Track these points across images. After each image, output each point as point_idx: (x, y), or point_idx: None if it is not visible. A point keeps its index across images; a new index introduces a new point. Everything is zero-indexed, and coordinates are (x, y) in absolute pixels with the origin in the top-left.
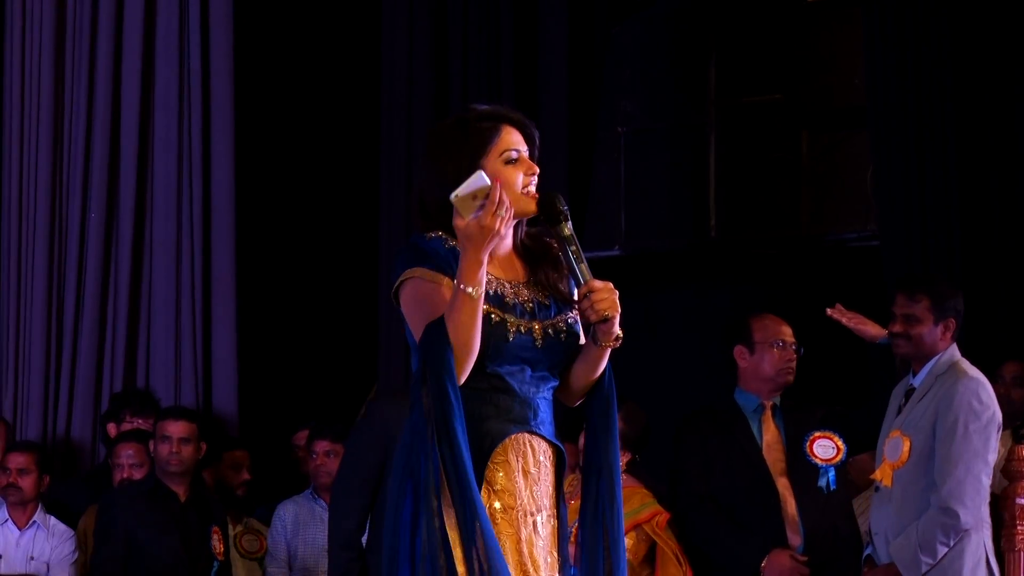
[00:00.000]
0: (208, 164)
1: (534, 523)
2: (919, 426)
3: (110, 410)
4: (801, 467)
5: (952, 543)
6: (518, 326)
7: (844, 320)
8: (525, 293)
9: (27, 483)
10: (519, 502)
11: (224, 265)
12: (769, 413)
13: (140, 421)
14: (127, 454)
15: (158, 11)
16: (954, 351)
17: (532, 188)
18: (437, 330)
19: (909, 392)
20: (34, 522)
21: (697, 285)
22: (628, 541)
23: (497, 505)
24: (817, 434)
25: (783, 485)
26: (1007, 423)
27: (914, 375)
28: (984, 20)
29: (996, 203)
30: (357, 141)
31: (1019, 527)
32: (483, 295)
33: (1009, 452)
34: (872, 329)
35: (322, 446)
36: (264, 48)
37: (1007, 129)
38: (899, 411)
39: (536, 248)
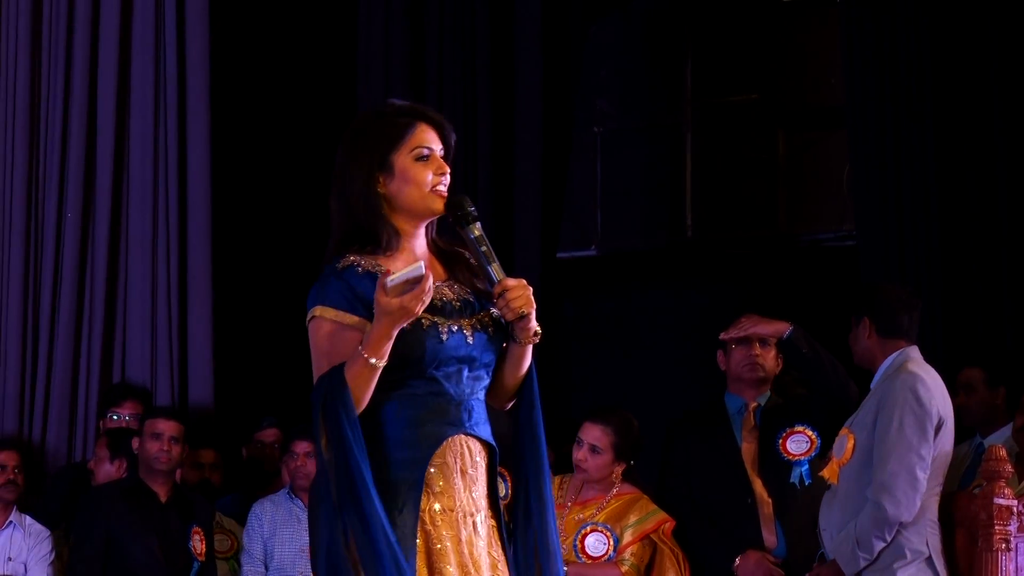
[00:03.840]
0: (184, 160)
1: (474, 523)
2: (863, 423)
3: (98, 411)
4: (774, 466)
5: (888, 537)
6: (449, 326)
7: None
8: (449, 292)
9: (21, 480)
10: (458, 503)
11: (200, 261)
12: (751, 414)
13: (129, 409)
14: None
15: (134, 7)
16: (910, 353)
17: (441, 188)
18: (338, 373)
19: (866, 392)
20: (10, 522)
21: (673, 284)
22: (635, 550)
23: (437, 507)
24: (790, 430)
25: (760, 485)
26: (966, 427)
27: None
28: (962, 18)
29: (974, 202)
30: (333, 139)
31: (997, 527)
32: (383, 366)
33: (987, 452)
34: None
35: (302, 447)
36: (240, 44)
37: (986, 128)
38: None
39: (450, 250)
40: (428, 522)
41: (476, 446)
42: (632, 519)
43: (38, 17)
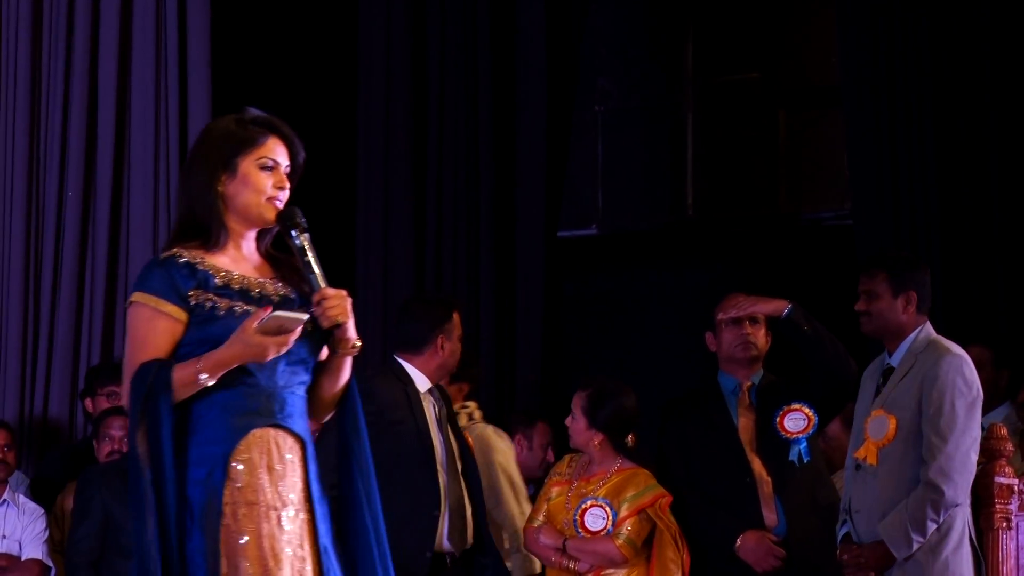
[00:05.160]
0: (185, 144)
1: (278, 518)
2: (904, 404)
3: (85, 388)
4: (772, 444)
5: (941, 519)
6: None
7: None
8: (269, 287)
9: (11, 458)
10: (261, 497)
11: None
12: (746, 393)
13: (114, 387)
14: (118, 425)
15: None
16: (929, 329)
17: (277, 201)
18: (165, 373)
19: (888, 372)
20: (4, 500)
21: (674, 264)
22: (632, 525)
23: (240, 501)
24: (787, 408)
25: (759, 464)
26: None
27: (889, 354)
28: None
29: (972, 183)
30: (334, 126)
31: (998, 505)
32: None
33: (988, 431)
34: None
35: None
36: (242, 29)
37: (982, 107)
38: (877, 391)
39: (283, 258)
40: (229, 515)
41: (287, 441)
42: (629, 493)
43: (39, 0)
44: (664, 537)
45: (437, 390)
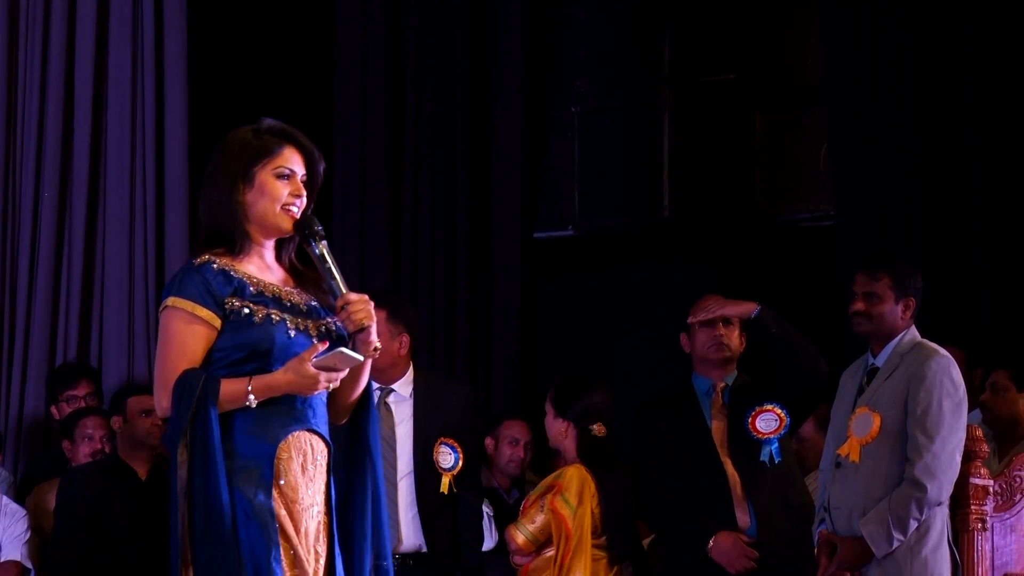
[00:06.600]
0: (162, 141)
1: (311, 516)
2: (890, 403)
3: (48, 395)
4: (744, 445)
5: (923, 518)
6: (296, 323)
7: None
8: (297, 297)
9: None
10: (300, 496)
11: (177, 243)
12: (720, 394)
13: (72, 391)
14: (94, 424)
15: None
16: (915, 331)
17: (293, 209)
18: (214, 385)
19: (872, 371)
20: None
21: (651, 264)
22: (533, 515)
23: (284, 499)
24: (759, 408)
25: (731, 465)
26: None
27: (874, 355)
28: None
29: (954, 184)
30: (310, 125)
31: (973, 506)
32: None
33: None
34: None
35: None
36: (219, 26)
37: (963, 108)
38: (861, 390)
39: (304, 270)
40: (279, 512)
41: (319, 445)
42: (544, 484)
43: None
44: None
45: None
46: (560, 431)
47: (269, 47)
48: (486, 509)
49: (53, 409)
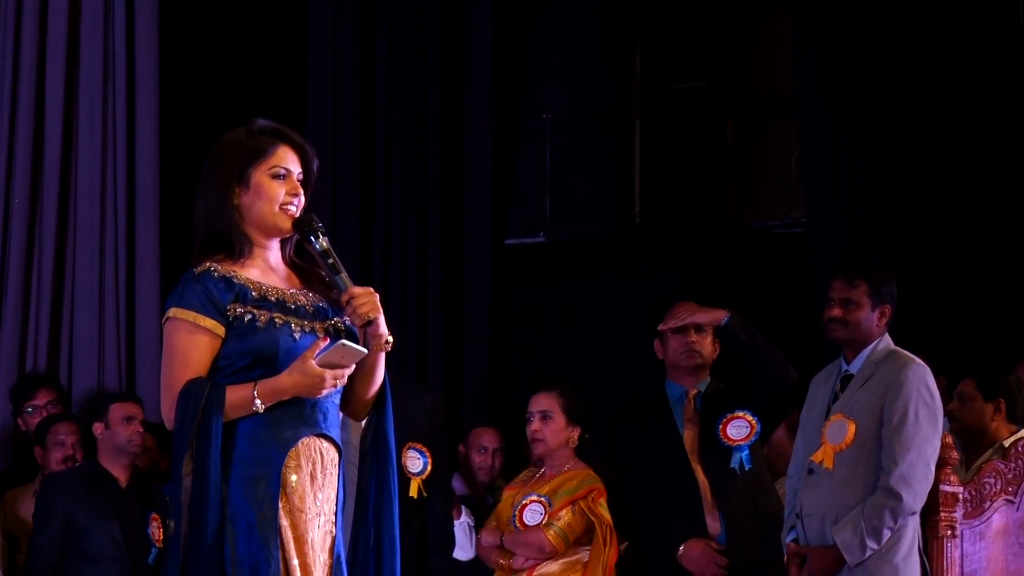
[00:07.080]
0: (132, 147)
1: (317, 526)
2: (865, 410)
3: (13, 409)
4: (715, 452)
5: (896, 527)
6: (302, 326)
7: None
8: (303, 298)
9: None
10: (307, 504)
11: (148, 249)
12: (692, 401)
13: (43, 399)
14: (68, 431)
15: None
16: (888, 339)
17: (291, 208)
18: (219, 395)
19: (846, 378)
20: None
21: (622, 271)
22: (565, 516)
23: (290, 507)
24: (730, 415)
25: (702, 472)
26: None
27: (847, 362)
28: (913, 5)
29: (926, 191)
30: (282, 121)
31: (943, 513)
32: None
33: None
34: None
35: None
36: (189, 29)
37: (937, 116)
38: (835, 397)
39: (307, 267)
40: (284, 522)
41: (330, 452)
42: (567, 487)
43: None
44: (598, 533)
45: None
46: (569, 437)
47: (241, 52)
48: (467, 519)
49: (19, 421)
